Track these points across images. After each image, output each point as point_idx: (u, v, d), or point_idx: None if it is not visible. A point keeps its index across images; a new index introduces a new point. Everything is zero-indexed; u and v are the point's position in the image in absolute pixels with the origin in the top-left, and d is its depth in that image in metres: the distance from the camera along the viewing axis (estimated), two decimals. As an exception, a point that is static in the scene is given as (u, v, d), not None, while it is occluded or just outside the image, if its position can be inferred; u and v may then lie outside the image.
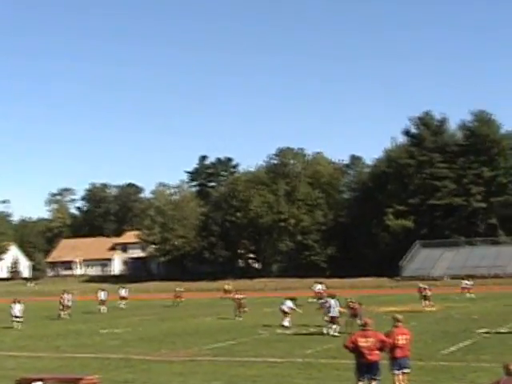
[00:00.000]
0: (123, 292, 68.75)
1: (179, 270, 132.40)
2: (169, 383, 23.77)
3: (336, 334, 38.96)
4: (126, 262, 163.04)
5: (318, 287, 66.98)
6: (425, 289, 56.66)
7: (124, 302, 68.31)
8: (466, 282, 60.45)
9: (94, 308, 63.62)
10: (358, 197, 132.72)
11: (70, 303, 61.26)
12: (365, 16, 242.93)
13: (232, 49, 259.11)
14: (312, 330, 42.74)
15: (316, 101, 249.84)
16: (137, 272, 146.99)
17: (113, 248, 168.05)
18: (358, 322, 37.72)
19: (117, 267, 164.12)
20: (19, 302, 53.39)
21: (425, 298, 55.70)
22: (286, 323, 44.37)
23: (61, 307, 60.53)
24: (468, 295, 64.65)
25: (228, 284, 78.17)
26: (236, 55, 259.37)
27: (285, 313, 45.04)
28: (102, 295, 64.23)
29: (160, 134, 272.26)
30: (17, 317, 52.34)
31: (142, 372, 29.23)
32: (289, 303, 45.85)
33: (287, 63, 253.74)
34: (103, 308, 63.81)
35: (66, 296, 61.27)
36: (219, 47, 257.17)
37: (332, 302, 40.86)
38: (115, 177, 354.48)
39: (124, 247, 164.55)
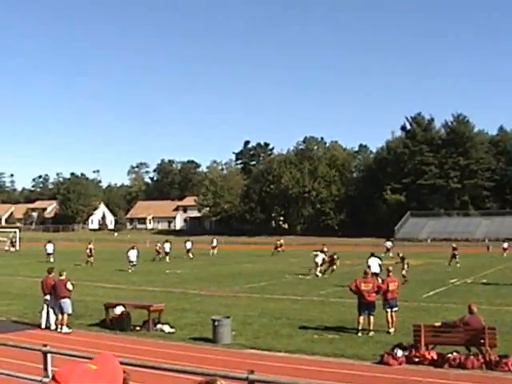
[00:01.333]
0: (189, 245, 64.34)
1: (227, 228, 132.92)
2: (216, 312, 24.14)
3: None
4: (185, 220, 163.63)
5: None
6: (455, 248, 53.47)
7: (189, 253, 63.55)
8: (453, 245, 56.52)
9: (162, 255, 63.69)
10: (364, 176, 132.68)
11: (167, 250, 60.71)
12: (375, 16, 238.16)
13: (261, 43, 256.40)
14: (326, 276, 43.09)
15: (336, 97, 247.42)
16: (194, 228, 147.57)
17: (176, 209, 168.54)
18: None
19: (178, 224, 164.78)
20: (133, 248, 50.81)
21: (454, 256, 52.88)
22: (318, 273, 43.50)
23: (156, 253, 60.74)
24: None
25: (279, 240, 75.86)
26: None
27: (317, 264, 43.86)
28: (166, 247, 61.18)
29: (214, 121, 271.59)
30: (130, 261, 50.00)
31: (196, 303, 29.76)
32: (320, 256, 44.55)
33: (311, 58, 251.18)
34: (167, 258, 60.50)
35: (161, 245, 61.59)
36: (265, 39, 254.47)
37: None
38: (179, 154, 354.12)
39: (185, 209, 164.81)
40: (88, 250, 55.45)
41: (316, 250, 46.38)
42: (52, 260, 57.35)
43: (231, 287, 36.83)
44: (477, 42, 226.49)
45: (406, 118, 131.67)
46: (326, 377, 14.65)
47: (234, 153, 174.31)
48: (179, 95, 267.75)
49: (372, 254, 37.73)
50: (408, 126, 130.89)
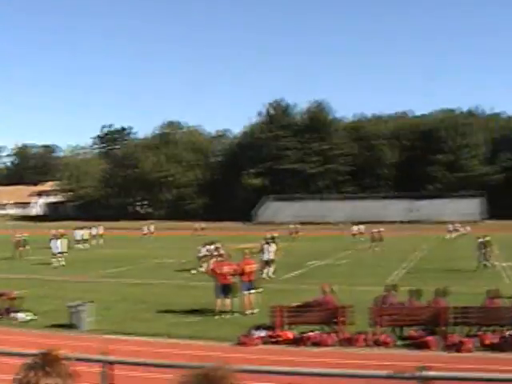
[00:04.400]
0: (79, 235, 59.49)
1: (87, 213, 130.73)
2: (78, 297, 23.80)
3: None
4: (45, 206, 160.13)
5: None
6: (373, 233, 52.97)
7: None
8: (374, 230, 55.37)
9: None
10: (225, 160, 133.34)
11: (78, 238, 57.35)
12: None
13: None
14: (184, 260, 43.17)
15: (197, 82, 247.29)
16: (54, 213, 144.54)
17: (34, 194, 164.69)
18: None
19: (38, 209, 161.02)
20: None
21: (373, 240, 52.28)
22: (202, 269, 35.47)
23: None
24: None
25: (200, 224, 76.76)
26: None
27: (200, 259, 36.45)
28: (77, 235, 57.45)
29: (74, 103, 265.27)
30: None
31: (57, 289, 29.32)
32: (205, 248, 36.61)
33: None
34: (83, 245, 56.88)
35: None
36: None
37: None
38: (38, 138, 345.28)
39: (44, 194, 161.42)
40: None
41: (267, 239, 39.29)
42: None
43: (91, 272, 36.44)
44: (337, 29, 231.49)
45: (268, 104, 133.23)
46: (185, 359, 14.78)
47: (94, 137, 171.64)
48: (36, 79, 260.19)
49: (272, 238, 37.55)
50: (269, 112, 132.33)
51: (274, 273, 33.90)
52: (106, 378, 9.22)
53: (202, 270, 34.65)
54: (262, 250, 34.78)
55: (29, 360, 2.60)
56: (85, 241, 58.17)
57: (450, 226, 70.32)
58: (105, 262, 42.46)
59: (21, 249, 48.54)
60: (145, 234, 69.87)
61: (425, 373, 8.36)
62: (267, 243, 36.11)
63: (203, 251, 36.07)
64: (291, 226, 68.66)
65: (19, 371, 2.53)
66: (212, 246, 35.79)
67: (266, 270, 33.50)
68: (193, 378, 2.31)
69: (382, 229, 53.28)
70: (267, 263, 34.09)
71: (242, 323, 19.94)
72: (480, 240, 36.82)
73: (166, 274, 35.19)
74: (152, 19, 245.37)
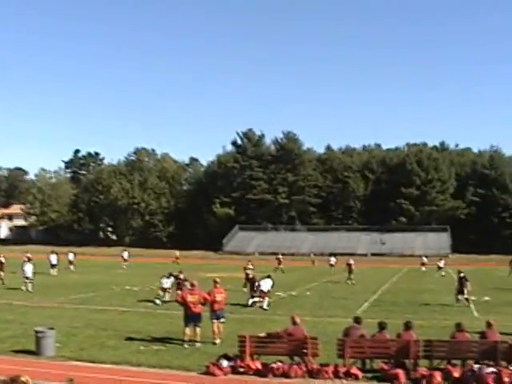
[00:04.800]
0: (71, 256, 61.48)
1: (53, 238, 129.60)
2: (41, 323, 23.49)
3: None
4: (11, 229, 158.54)
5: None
6: (349, 264, 51.47)
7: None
8: (350, 261, 54.29)
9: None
10: (194, 189, 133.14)
11: (54, 262, 55.18)
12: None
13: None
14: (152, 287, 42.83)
15: (167, 110, 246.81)
16: (20, 237, 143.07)
17: (1, 217, 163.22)
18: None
19: (3, 233, 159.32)
20: None
21: (350, 272, 50.95)
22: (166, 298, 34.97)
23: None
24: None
25: (176, 253, 76.49)
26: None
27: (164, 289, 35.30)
28: (52, 259, 55.56)
29: (39, 127, 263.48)
30: None
31: (19, 314, 28.94)
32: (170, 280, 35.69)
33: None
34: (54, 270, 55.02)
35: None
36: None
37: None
38: (6, 161, 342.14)
39: (10, 217, 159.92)
40: None
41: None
42: None
43: (57, 298, 36.02)
44: (305, 59, 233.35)
45: (237, 134, 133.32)
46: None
47: (63, 161, 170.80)
48: (3, 101, 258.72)
49: (268, 276, 36.89)
50: (239, 141, 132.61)
51: (268, 305, 33.41)
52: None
53: (166, 299, 34.40)
54: (252, 283, 35.21)
55: None
56: (53, 266, 56.13)
57: (425, 259, 70.98)
58: (72, 288, 41.91)
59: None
60: (125, 260, 68.48)
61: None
62: (267, 276, 35.62)
63: (168, 282, 35.33)
64: (279, 256, 67.71)
65: None
66: (171, 278, 35.60)
67: (265, 301, 33.46)
68: None
69: (352, 261, 52.98)
70: (266, 294, 33.89)
71: (210, 352, 19.79)
72: (462, 274, 36.58)
73: (132, 301, 34.88)
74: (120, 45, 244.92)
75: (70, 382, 8.90)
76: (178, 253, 78.87)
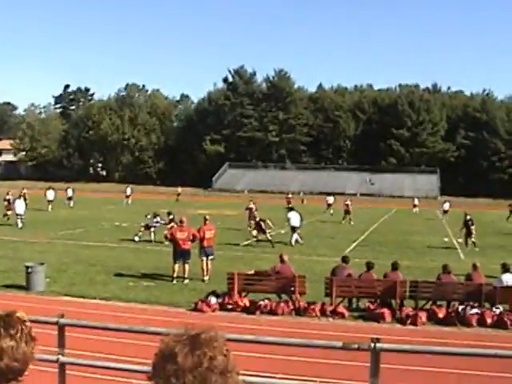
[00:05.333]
0: (70, 192, 61.10)
1: (43, 173, 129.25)
2: (31, 258, 23.61)
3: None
4: (0, 164, 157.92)
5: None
6: (347, 205, 51.03)
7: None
8: (346, 202, 52.25)
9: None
10: (184, 126, 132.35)
11: (50, 198, 55.04)
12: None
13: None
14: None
15: (159, 45, 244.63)
16: (9, 173, 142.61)
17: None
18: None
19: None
20: None
21: (347, 212, 50.84)
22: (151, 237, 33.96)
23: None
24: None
25: (178, 190, 74.91)
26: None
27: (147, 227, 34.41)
28: (49, 195, 55.26)
29: (29, 62, 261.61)
30: None
31: (9, 249, 29.05)
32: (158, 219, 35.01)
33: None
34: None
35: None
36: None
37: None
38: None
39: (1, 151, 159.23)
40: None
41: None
42: None
43: (46, 234, 36.14)
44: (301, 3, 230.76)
45: (229, 71, 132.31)
46: (140, 323, 14.77)
47: (53, 96, 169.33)
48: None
49: (291, 209, 37.17)
50: (230, 79, 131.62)
51: (302, 239, 34.82)
52: (62, 340, 9.16)
53: (151, 238, 33.65)
54: (258, 223, 34.90)
55: None
56: (50, 202, 55.53)
57: (416, 201, 68.81)
58: (62, 224, 41.94)
59: None
60: (127, 197, 68.11)
61: (378, 345, 8.44)
62: (289, 210, 36.81)
63: (153, 221, 34.65)
64: (300, 195, 66.10)
65: None
66: (158, 218, 35.03)
67: (292, 237, 34.49)
68: (179, 340, 2.23)
69: (349, 201, 52.69)
70: (293, 229, 34.79)
71: (199, 289, 20.03)
72: (468, 217, 36.37)
73: (122, 238, 34.99)
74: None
75: (61, 317, 8.97)
76: (179, 189, 78.26)
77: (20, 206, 40.41)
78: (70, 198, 60.87)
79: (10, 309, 2.73)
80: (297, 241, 34.49)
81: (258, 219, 36.56)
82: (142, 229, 34.51)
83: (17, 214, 40.04)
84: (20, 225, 39.50)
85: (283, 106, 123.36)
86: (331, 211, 57.79)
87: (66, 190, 62.23)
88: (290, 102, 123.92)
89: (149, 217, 35.36)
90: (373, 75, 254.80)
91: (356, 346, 8.73)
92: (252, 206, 43.60)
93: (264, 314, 17.31)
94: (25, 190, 52.85)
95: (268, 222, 34.97)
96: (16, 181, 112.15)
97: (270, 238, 33.63)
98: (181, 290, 20.29)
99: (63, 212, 52.94)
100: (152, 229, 34.28)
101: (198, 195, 78.73)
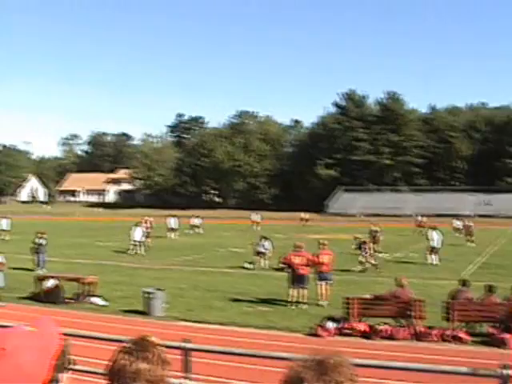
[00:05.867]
0: (197, 221, 62.05)
1: (159, 201, 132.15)
2: (149, 284, 24.04)
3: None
4: (118, 193, 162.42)
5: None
6: (469, 226, 51.18)
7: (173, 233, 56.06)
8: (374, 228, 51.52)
9: (95, 225, 62.71)
10: (296, 151, 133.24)
11: (173, 226, 55.60)
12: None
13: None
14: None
15: (271, 71, 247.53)
16: (126, 201, 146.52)
17: (108, 182, 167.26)
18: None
19: (111, 197, 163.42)
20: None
21: (468, 233, 50.13)
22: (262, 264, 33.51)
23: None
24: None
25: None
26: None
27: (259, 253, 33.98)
28: (171, 222, 56.10)
29: (143, 93, 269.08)
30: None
31: (128, 276, 29.69)
32: (267, 244, 34.33)
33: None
34: (174, 234, 55.27)
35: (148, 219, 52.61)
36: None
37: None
38: (112, 127, 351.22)
39: (117, 181, 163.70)
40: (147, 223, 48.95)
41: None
42: (8, 238, 50.04)
43: (164, 260, 36.78)
44: (406, 20, 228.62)
45: (340, 94, 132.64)
46: (259, 348, 14.74)
47: (167, 126, 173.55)
48: (111, 65, 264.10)
49: (434, 228, 37.43)
50: (341, 102, 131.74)
51: (439, 261, 35.30)
52: (188, 364, 9.20)
53: (262, 265, 33.19)
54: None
55: (124, 344, 2.57)
56: (172, 230, 55.91)
57: None
58: (178, 250, 42.56)
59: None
60: (254, 223, 68.69)
61: (507, 371, 8.11)
62: (433, 229, 37.10)
63: (262, 246, 34.10)
64: (419, 218, 65.08)
65: (114, 355, 2.50)
66: (267, 242, 34.41)
67: (430, 257, 35.45)
68: (306, 365, 2.17)
69: (471, 223, 51.80)
70: (433, 250, 35.67)
71: (316, 314, 19.84)
72: None
73: (237, 263, 35.17)
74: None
75: (186, 341, 9.04)
76: (306, 215, 78.10)
77: (138, 233, 41.13)
78: (195, 226, 61.75)
79: (143, 333, 2.75)
80: (432, 261, 35.02)
81: (366, 240, 36.06)
82: (255, 257, 34.12)
83: (133, 241, 40.75)
84: (138, 251, 40.22)
85: (395, 128, 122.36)
86: (459, 234, 55.47)
87: (192, 218, 63.14)
88: (403, 124, 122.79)
89: (258, 243, 34.74)
90: (486, 93, 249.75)
91: (485, 372, 8.42)
92: (376, 229, 42.67)
93: (383, 338, 16.99)
94: (151, 218, 53.81)
95: (372, 245, 35.19)
96: (133, 209, 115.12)
97: (373, 262, 33.32)
98: (298, 315, 20.18)
99: (182, 239, 53.69)
100: (264, 254, 33.87)
101: (311, 219, 78.51)
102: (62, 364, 2.37)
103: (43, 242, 30.05)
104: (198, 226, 62.25)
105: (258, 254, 34.08)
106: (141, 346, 2.56)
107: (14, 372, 2.13)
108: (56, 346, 2.35)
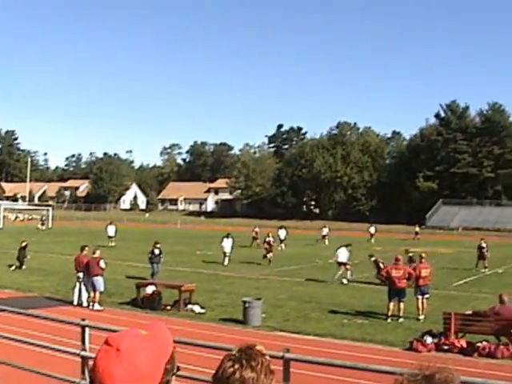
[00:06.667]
0: (282, 233, 57.62)
1: (258, 211, 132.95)
2: (247, 294, 24.29)
3: None
4: (217, 202, 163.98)
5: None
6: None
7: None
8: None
9: (194, 234, 63.47)
10: (396, 163, 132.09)
11: (282, 237, 55.75)
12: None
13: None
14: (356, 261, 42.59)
15: (370, 83, 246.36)
16: (225, 210, 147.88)
17: (207, 191, 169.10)
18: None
19: (210, 206, 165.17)
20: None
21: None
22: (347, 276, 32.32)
23: (253, 239, 56.63)
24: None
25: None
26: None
27: (341, 264, 32.44)
28: (281, 234, 56.04)
29: (248, 104, 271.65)
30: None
31: (226, 284, 29.98)
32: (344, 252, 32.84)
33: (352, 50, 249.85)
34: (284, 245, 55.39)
35: (258, 230, 57.71)
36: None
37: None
38: (212, 137, 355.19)
39: (216, 191, 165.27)
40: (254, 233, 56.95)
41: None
42: (113, 244, 52.50)
43: (262, 270, 37.02)
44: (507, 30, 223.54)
45: (441, 106, 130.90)
46: (355, 361, 14.71)
47: (266, 136, 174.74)
48: (212, 78, 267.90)
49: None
50: (442, 114, 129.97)
51: None
52: (288, 375, 9.27)
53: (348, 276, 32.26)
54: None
55: (231, 352, 2.66)
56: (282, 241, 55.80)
57: None
58: (277, 261, 42.49)
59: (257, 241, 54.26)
60: (371, 235, 68.60)
61: None
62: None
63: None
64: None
65: (221, 363, 2.59)
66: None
67: None
68: (413, 380, 2.19)
69: None
70: None
71: (413, 328, 19.65)
72: None
73: (333, 274, 35.04)
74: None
75: (286, 351, 9.12)
76: (417, 229, 76.97)
77: (227, 245, 40.98)
78: (282, 241, 57.70)
79: (250, 342, 2.83)
80: None
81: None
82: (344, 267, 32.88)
83: (224, 252, 40.49)
84: (226, 263, 40.11)
85: (498, 140, 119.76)
86: None
87: (279, 229, 62.09)
88: (506, 136, 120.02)
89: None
90: None
91: None
92: (484, 245, 41.33)
93: (482, 356, 16.63)
94: (257, 229, 57.57)
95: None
96: (232, 218, 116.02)
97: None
98: (395, 329, 20.01)
99: (289, 250, 53.64)
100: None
101: (410, 232, 77.41)
102: (172, 369, 2.48)
103: (157, 251, 30.30)
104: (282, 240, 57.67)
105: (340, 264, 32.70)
106: (248, 355, 2.64)
107: (130, 371, 2.24)
108: (169, 350, 2.46)
